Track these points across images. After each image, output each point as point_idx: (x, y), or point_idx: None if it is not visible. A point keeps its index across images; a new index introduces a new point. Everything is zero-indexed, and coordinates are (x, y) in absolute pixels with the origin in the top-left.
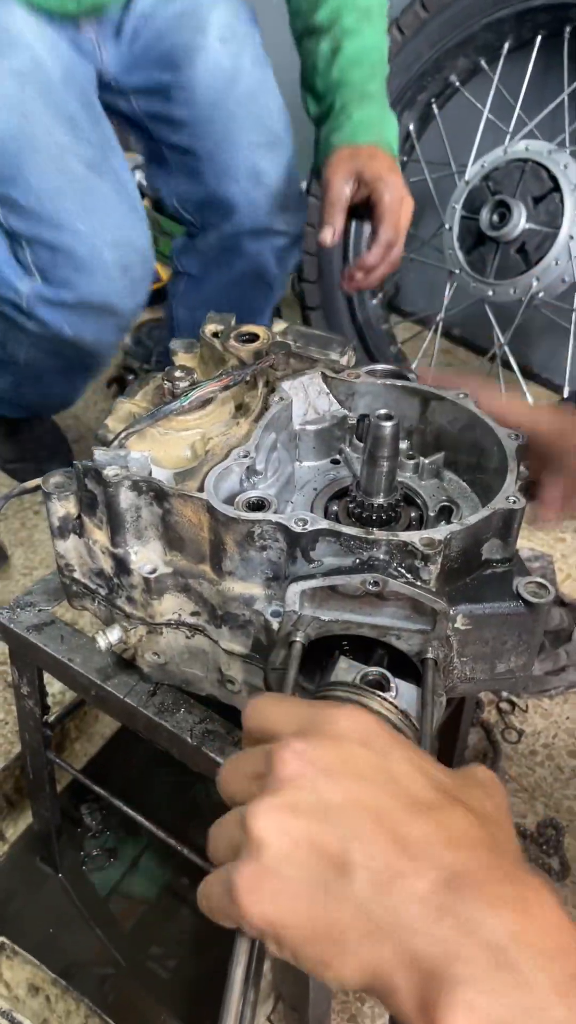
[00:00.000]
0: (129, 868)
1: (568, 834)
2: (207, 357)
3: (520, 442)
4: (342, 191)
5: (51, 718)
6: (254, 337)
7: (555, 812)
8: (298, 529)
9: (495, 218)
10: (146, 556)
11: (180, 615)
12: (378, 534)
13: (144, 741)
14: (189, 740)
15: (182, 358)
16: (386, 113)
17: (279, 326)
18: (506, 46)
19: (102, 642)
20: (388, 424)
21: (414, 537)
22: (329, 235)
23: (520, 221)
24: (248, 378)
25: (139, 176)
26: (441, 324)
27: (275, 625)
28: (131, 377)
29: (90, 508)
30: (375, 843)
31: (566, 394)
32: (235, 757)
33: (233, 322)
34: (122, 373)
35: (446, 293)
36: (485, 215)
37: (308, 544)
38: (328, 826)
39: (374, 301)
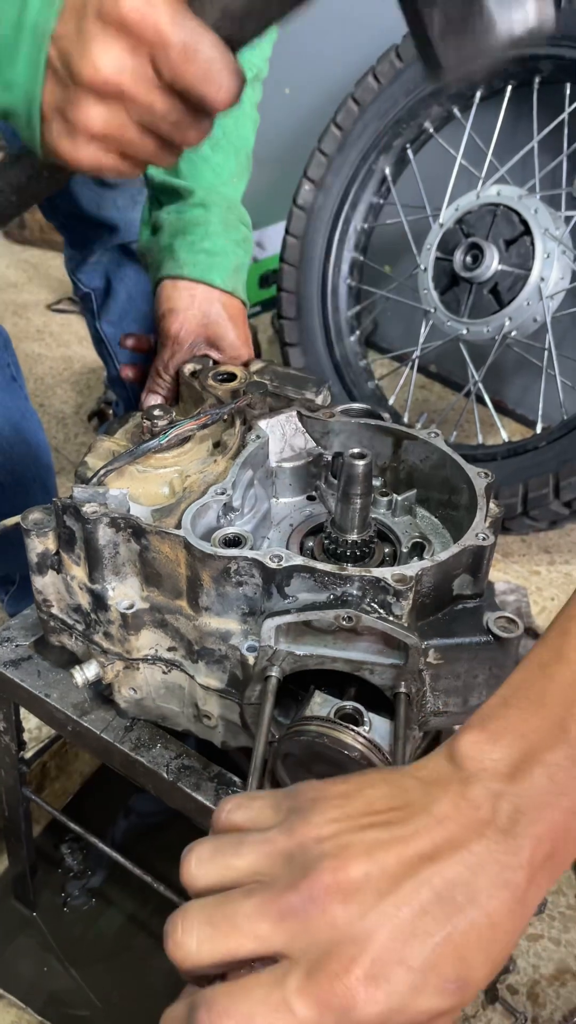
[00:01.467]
0: (109, 908)
1: None
2: (186, 396)
3: (489, 480)
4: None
5: (28, 755)
6: (231, 376)
7: None
8: (273, 565)
9: (468, 260)
10: (123, 592)
11: (157, 650)
12: (351, 570)
13: (124, 779)
14: (165, 776)
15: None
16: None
17: (256, 365)
18: (478, 95)
19: (79, 678)
20: (361, 462)
21: (386, 573)
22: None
23: (492, 263)
24: (226, 416)
25: None
26: (417, 361)
27: (251, 660)
28: (111, 410)
29: (68, 544)
30: None
31: (539, 429)
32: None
33: (211, 363)
34: (103, 407)
35: (422, 331)
36: (459, 257)
37: (283, 580)
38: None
39: (352, 338)
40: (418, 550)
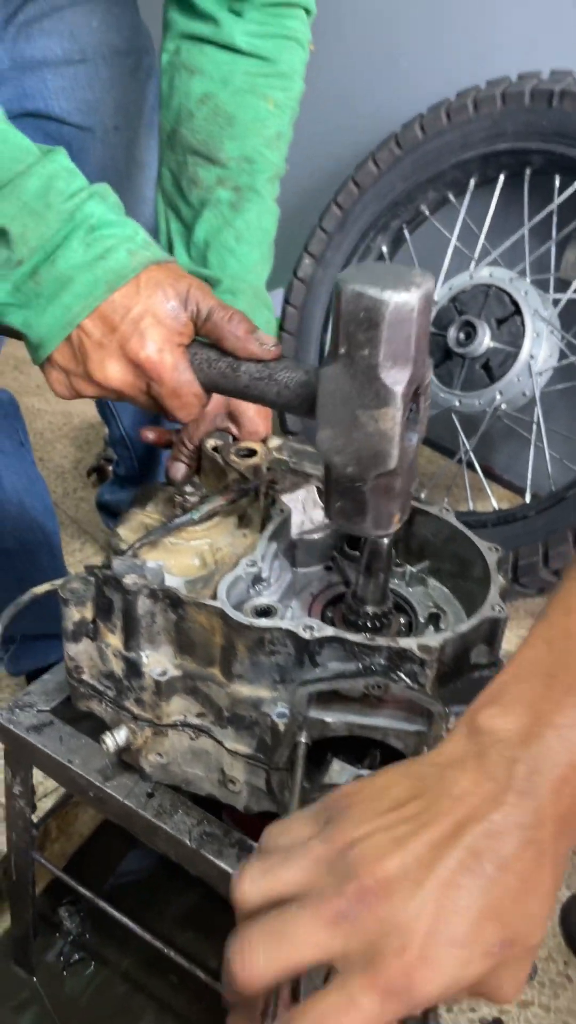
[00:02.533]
0: (108, 971)
1: None
2: (208, 469)
3: (499, 555)
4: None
5: (36, 818)
6: (252, 452)
7: None
8: (306, 636)
9: (462, 336)
10: (157, 660)
11: (186, 716)
12: (379, 641)
13: (120, 840)
14: (187, 842)
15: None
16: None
17: (274, 442)
18: (472, 182)
19: (110, 743)
20: (384, 540)
21: (412, 644)
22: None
23: (485, 340)
24: (251, 493)
25: None
26: None
27: (281, 726)
28: (111, 467)
29: (106, 614)
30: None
31: (528, 498)
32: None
33: (231, 439)
34: (102, 463)
35: None
36: (453, 333)
37: (315, 650)
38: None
39: None
40: (434, 620)
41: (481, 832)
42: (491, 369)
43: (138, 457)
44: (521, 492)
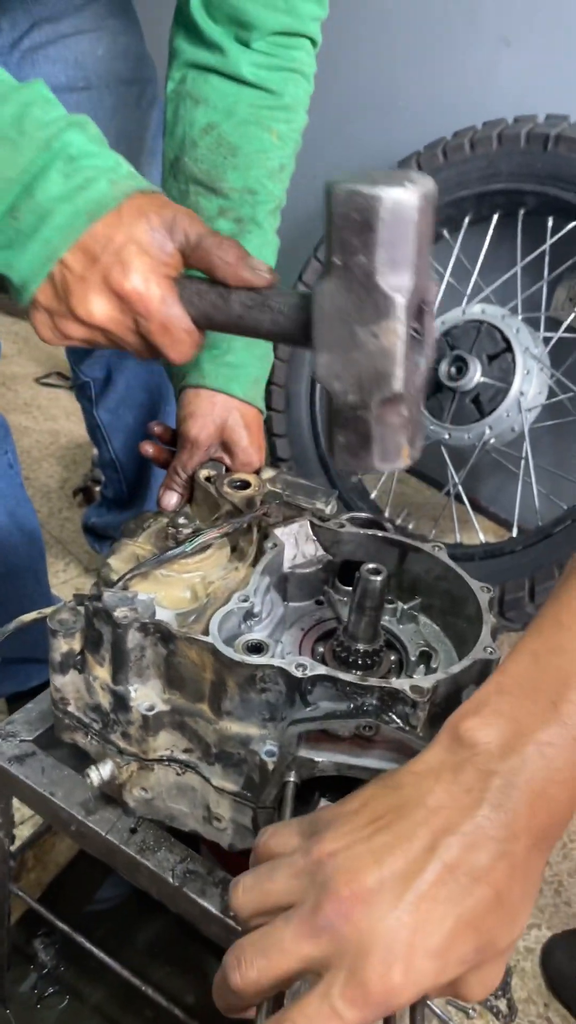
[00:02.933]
0: (82, 1004)
1: (515, 975)
2: (200, 499)
3: (491, 595)
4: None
5: (13, 847)
6: (246, 484)
7: None
8: (298, 674)
9: (453, 370)
10: (145, 694)
11: (173, 752)
12: (372, 681)
13: (95, 871)
14: (170, 880)
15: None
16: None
17: (267, 473)
18: (467, 220)
19: (95, 777)
20: (377, 578)
21: (404, 685)
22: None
23: (475, 375)
24: (244, 525)
25: None
26: None
27: (270, 765)
28: (97, 488)
29: (95, 646)
30: None
31: (515, 533)
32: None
33: (224, 470)
34: (88, 484)
35: None
36: (444, 367)
37: (307, 688)
38: None
39: None
40: (425, 659)
41: (455, 844)
42: (481, 404)
43: (127, 481)
44: (507, 525)
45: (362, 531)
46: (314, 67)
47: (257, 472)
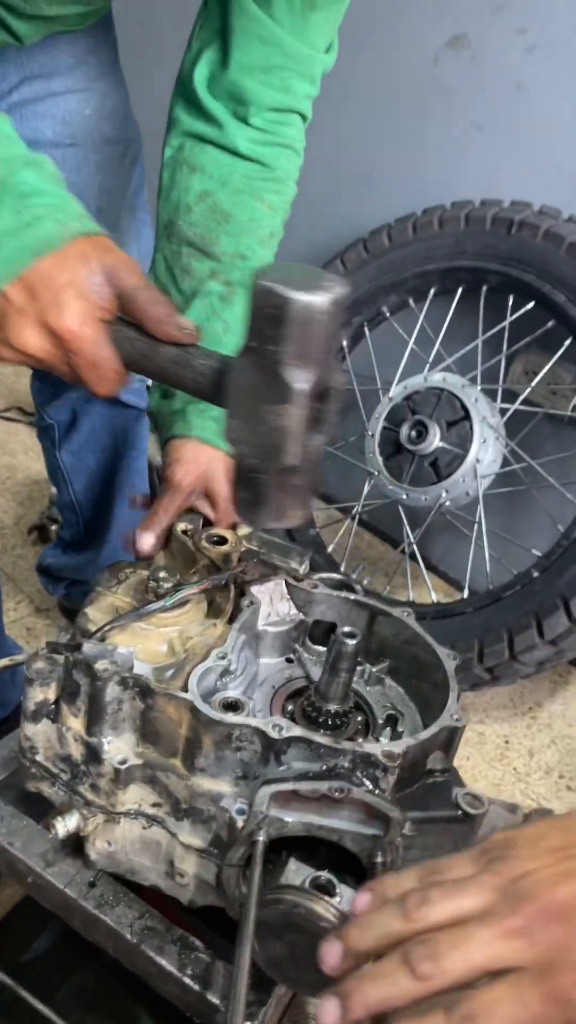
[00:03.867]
0: None
1: None
2: (176, 551)
3: (457, 662)
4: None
5: None
6: (223, 540)
7: None
8: (274, 735)
9: (413, 434)
10: (118, 747)
11: (141, 805)
12: (345, 745)
13: (43, 918)
14: (128, 937)
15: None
16: None
17: (244, 530)
18: (432, 292)
19: (60, 829)
20: (352, 641)
21: (376, 749)
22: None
23: (434, 440)
24: (223, 582)
25: None
26: (358, 516)
27: (240, 823)
28: (54, 527)
29: (71, 697)
30: None
31: (466, 594)
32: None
33: (201, 524)
34: (45, 523)
35: (364, 489)
36: (405, 430)
37: (281, 748)
38: None
39: None
40: (391, 721)
41: None
42: (439, 468)
43: (86, 523)
44: (458, 585)
45: (335, 593)
46: (303, 142)
47: (233, 527)
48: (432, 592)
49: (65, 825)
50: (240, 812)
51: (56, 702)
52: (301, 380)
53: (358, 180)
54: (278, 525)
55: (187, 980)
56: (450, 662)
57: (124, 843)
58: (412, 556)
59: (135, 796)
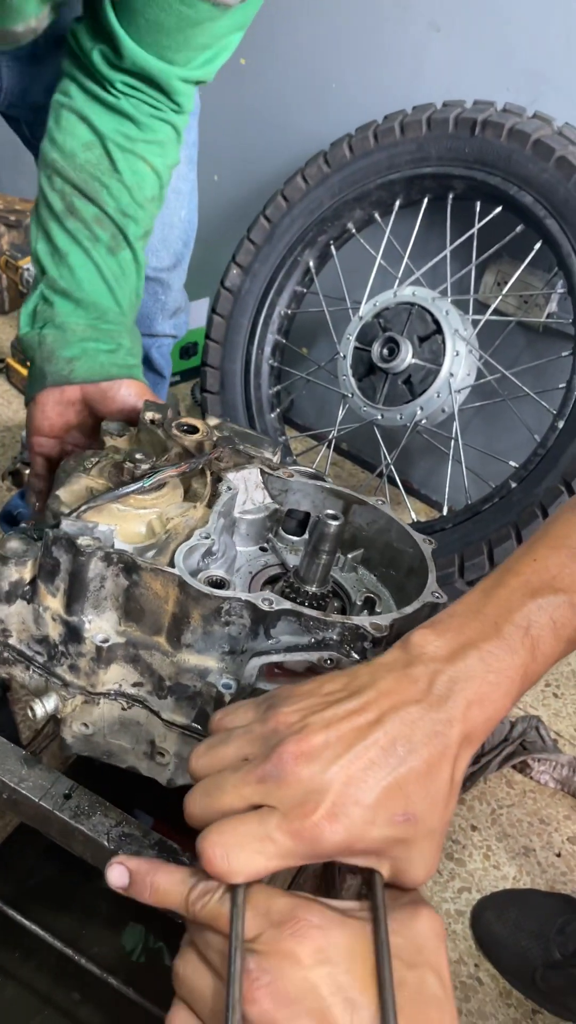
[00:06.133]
0: (12, 984)
1: (447, 937)
2: (145, 441)
3: (433, 546)
4: None
5: None
6: (194, 428)
7: None
8: (265, 608)
9: (385, 352)
10: (99, 626)
11: (122, 685)
12: (335, 617)
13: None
14: (106, 844)
15: (117, 441)
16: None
17: (213, 420)
18: (397, 203)
19: (39, 710)
20: (335, 523)
21: (365, 621)
22: None
23: (407, 356)
24: (200, 466)
25: None
26: (334, 441)
27: (227, 697)
28: (27, 471)
29: (50, 575)
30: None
31: (445, 511)
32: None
33: (169, 412)
34: (18, 467)
35: (339, 413)
36: (376, 348)
37: (271, 622)
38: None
39: (272, 415)
40: (369, 604)
41: (398, 720)
42: (412, 385)
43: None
44: (438, 507)
45: (310, 482)
46: (187, 122)
47: (203, 417)
48: (412, 513)
49: (44, 706)
50: (227, 687)
51: (32, 582)
52: None
53: (316, 92)
54: None
55: None
56: (426, 546)
57: (102, 725)
58: (391, 479)
59: (116, 676)
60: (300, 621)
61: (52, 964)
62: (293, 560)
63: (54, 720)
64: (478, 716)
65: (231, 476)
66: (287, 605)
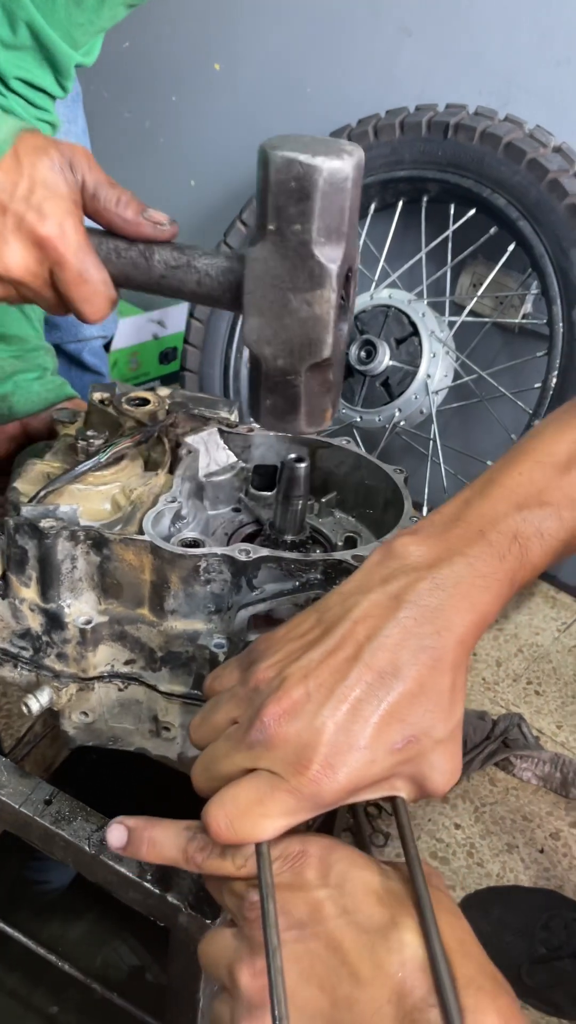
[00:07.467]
0: None
1: None
2: (96, 423)
3: (405, 475)
4: None
5: None
6: (144, 401)
7: None
8: (243, 558)
9: (362, 354)
10: (79, 608)
11: (114, 666)
12: (316, 556)
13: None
14: (87, 849)
15: (69, 428)
16: None
17: (164, 391)
18: (372, 207)
19: (34, 706)
20: (301, 465)
21: (347, 555)
22: None
23: (384, 359)
24: (156, 434)
25: None
26: None
27: (221, 656)
28: None
29: (20, 566)
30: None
31: (425, 511)
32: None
33: (116, 389)
34: None
35: None
36: (354, 351)
37: (252, 572)
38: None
39: (251, 419)
40: (350, 544)
41: (377, 647)
42: (390, 387)
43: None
44: (418, 507)
45: (272, 433)
46: (60, 123)
47: (152, 390)
48: None
49: (38, 701)
50: (219, 646)
51: (3, 577)
52: (333, 260)
53: (290, 96)
54: (313, 429)
55: (147, 884)
56: (398, 476)
57: (102, 710)
58: None
59: (106, 656)
60: (281, 566)
61: (35, 970)
62: (268, 515)
63: (51, 714)
64: (469, 620)
65: (189, 440)
66: (264, 552)
